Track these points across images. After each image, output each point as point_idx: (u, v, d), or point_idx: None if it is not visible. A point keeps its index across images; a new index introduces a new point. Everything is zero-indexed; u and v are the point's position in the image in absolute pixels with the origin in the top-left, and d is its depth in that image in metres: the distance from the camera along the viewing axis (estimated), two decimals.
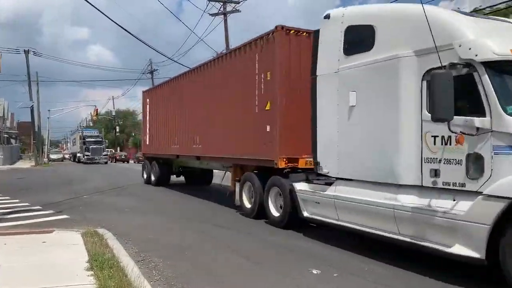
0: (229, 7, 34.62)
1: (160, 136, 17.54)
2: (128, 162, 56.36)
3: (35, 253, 6.39)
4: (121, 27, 17.27)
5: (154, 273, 5.80)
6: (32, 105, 43.13)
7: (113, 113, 79.26)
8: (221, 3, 34.39)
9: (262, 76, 9.71)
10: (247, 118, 10.43)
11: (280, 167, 9.01)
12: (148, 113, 19.54)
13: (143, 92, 20.61)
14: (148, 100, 19.65)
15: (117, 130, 78.30)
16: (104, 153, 52.12)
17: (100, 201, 13.76)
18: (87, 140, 51.37)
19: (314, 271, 5.91)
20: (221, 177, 13.93)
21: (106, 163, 49.59)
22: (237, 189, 10.91)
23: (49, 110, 53.51)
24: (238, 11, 34.73)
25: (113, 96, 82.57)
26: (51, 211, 11.26)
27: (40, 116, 48.43)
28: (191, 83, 14.45)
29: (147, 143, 19.38)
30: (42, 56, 45.66)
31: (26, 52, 41.86)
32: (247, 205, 10.58)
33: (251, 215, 10.25)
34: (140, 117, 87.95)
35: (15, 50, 41.20)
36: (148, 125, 19.41)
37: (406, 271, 5.91)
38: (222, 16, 34.59)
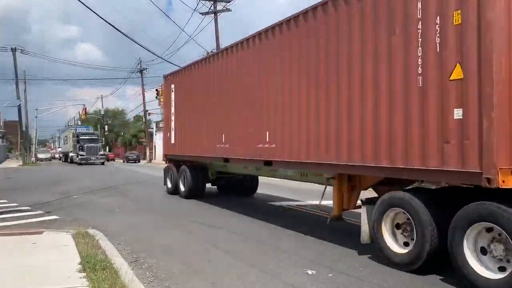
0: (219, 6, 34.53)
1: (195, 132, 12.90)
2: (114, 160, 59.56)
3: (25, 254, 6.27)
4: (111, 24, 17.13)
5: (148, 275, 5.73)
6: (20, 104, 42.56)
7: (102, 112, 78.58)
8: (212, 2, 34.28)
9: (438, 21, 5.51)
10: (393, 98, 6.13)
11: (500, 186, 4.80)
12: (173, 102, 14.90)
13: (166, 76, 15.90)
14: (173, 86, 14.90)
15: (106, 129, 77.63)
16: (101, 152, 47.27)
17: (90, 201, 13.61)
18: (81, 138, 46.69)
19: (309, 271, 5.89)
20: (320, 195, 8.55)
21: (103, 163, 44.98)
22: (366, 216, 6.64)
23: (36, 109, 53.08)
24: (228, 10, 34.64)
25: (101, 95, 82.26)
26: (40, 212, 11.11)
27: (28, 115, 47.79)
28: (257, 53, 9.69)
29: (172, 141, 14.86)
30: (29, 55, 44.96)
31: (14, 50, 41.35)
32: (396, 248, 6.13)
33: (408, 268, 5.84)
34: (129, 116, 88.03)
35: (3, 48, 40.61)
36: (173, 118, 14.87)
37: (399, 270, 5.92)
38: (213, 15, 34.50)
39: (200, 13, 34.91)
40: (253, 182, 14.12)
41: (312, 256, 6.75)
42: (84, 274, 5.19)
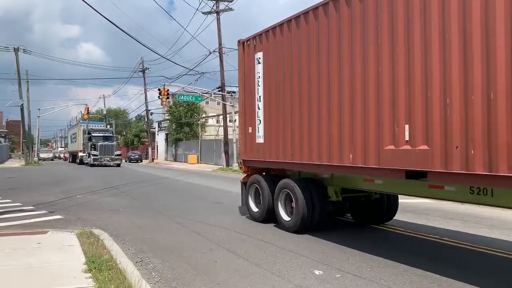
0: (222, 6, 34.50)
1: (308, 127, 7.96)
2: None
3: (30, 255, 6.23)
4: (113, 23, 17.08)
5: (153, 275, 5.68)
6: (22, 104, 42.55)
7: (104, 112, 78.60)
8: (214, 1, 34.26)
9: None
10: None
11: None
12: (261, 80, 9.52)
13: (245, 41, 10.19)
14: (261, 55, 9.52)
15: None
16: (117, 152, 39.97)
17: (94, 201, 13.57)
18: (93, 135, 40.64)
19: (316, 272, 5.83)
20: None
21: (118, 165, 38.74)
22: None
23: (39, 109, 52.78)
24: (231, 9, 34.61)
25: (103, 95, 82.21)
26: (44, 211, 11.07)
27: (30, 114, 47.75)
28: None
29: (259, 140, 9.65)
30: (32, 54, 44.93)
31: (16, 50, 41.29)
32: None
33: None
34: (132, 116, 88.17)
35: (5, 48, 40.60)
36: (260, 104, 9.56)
37: (408, 271, 5.86)
38: (215, 14, 34.46)
39: (203, 13, 34.91)
40: (392, 203, 9.33)
41: (319, 256, 6.70)
42: (90, 274, 5.15)
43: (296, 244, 7.61)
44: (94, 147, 39.16)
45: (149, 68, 55.43)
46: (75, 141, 49.14)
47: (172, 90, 40.10)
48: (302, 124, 8.14)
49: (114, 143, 40.70)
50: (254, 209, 10.06)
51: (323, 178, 8.64)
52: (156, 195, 15.47)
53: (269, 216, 9.44)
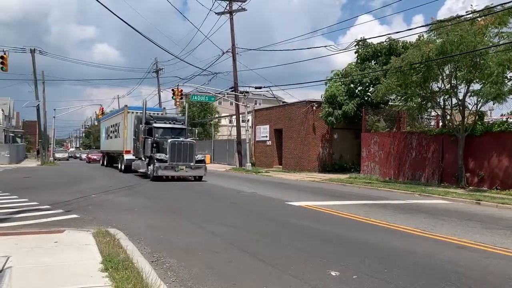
0: (235, 6, 34.53)
1: None
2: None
3: (47, 253, 6.28)
4: (128, 24, 17.20)
5: (169, 274, 5.68)
6: (38, 104, 43.16)
7: None
8: (227, 2, 34.30)
9: None
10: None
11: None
12: None
13: None
14: None
15: None
16: (198, 155, 22.92)
17: (109, 200, 13.67)
18: (156, 126, 24.01)
19: (333, 273, 5.77)
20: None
21: (200, 178, 22.25)
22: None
23: (54, 109, 53.46)
24: (244, 9, 34.63)
25: (118, 95, 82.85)
26: (60, 210, 11.18)
27: (46, 115, 48.35)
28: None
29: None
30: (47, 55, 45.48)
31: (32, 51, 41.87)
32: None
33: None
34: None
35: (21, 49, 41.20)
36: None
37: (425, 273, 5.76)
38: (228, 14, 34.51)
39: (216, 13, 35.00)
40: None
41: (335, 257, 6.63)
42: (107, 273, 5.16)
43: (311, 244, 7.55)
44: (157, 146, 22.95)
45: (162, 68, 55.60)
46: (115, 137, 32.85)
47: (186, 90, 40.32)
48: None
49: (194, 141, 23.00)
50: None
51: None
52: (174, 194, 15.49)
53: None
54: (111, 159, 36.36)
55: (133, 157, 26.86)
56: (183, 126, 25.43)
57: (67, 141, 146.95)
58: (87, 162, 52.81)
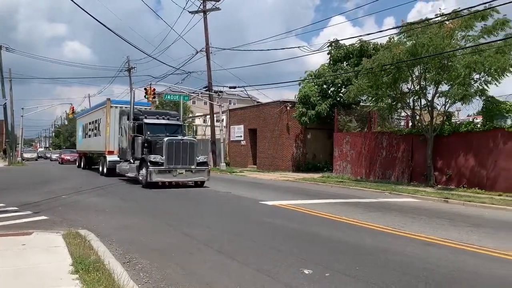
0: (208, 5, 34.40)
1: None
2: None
3: (15, 256, 6.11)
4: (100, 22, 16.85)
5: (142, 276, 5.62)
6: (5, 103, 41.81)
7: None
8: (201, 1, 34.13)
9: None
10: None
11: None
12: None
13: None
14: None
15: None
16: (200, 158, 19.49)
17: (80, 201, 13.39)
18: (148, 122, 20.46)
19: (306, 271, 5.84)
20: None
21: (202, 184, 19.05)
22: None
23: (23, 108, 51.92)
24: (218, 9, 34.54)
25: (89, 94, 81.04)
26: (28, 212, 10.88)
27: (13, 114, 46.89)
28: None
29: None
30: (15, 53, 44.18)
31: None
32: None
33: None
34: None
35: None
36: None
37: (396, 270, 5.90)
38: (202, 14, 34.35)
39: (189, 12, 34.78)
40: None
41: (308, 255, 6.71)
42: (77, 275, 5.07)
43: (285, 243, 7.62)
44: (149, 146, 19.56)
45: (135, 67, 54.87)
46: (94, 135, 29.47)
47: (159, 89, 39.83)
48: None
49: (194, 141, 19.81)
50: None
51: None
52: (146, 195, 15.32)
53: None
54: (90, 160, 33.02)
55: (118, 159, 23.57)
56: (179, 122, 21.90)
57: (36, 140, 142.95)
58: (59, 163, 48.32)
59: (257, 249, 7.28)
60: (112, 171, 24.03)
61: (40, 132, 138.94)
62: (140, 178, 18.84)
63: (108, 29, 18.89)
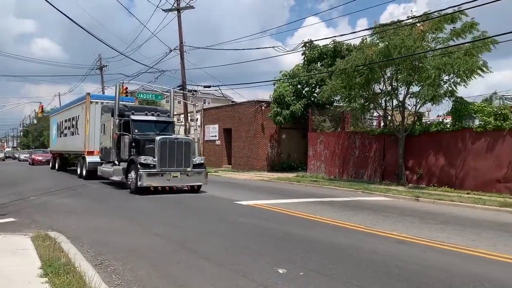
0: (182, 3, 34.09)
1: None
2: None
3: None
4: (71, 19, 16.46)
5: (114, 278, 5.51)
6: None
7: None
8: None
9: None
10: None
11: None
12: None
13: None
14: None
15: None
16: (197, 158, 17.15)
17: (49, 202, 13.04)
18: (135, 118, 18.00)
19: (280, 270, 5.85)
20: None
21: (198, 189, 16.72)
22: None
23: None
24: (192, 7, 34.25)
25: (59, 93, 79.28)
26: None
27: None
28: None
29: None
30: None
31: None
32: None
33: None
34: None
35: None
36: None
37: (369, 267, 5.98)
38: (176, 12, 34.01)
39: (163, 10, 34.37)
40: None
41: (283, 255, 6.73)
42: (47, 279, 4.93)
43: (259, 243, 7.62)
44: (137, 146, 17.43)
45: (107, 65, 53.83)
46: (71, 134, 26.94)
47: (131, 88, 39.19)
48: None
49: (190, 138, 18.60)
50: None
51: None
52: (118, 195, 15.04)
53: None
54: (65, 161, 30.17)
55: (99, 160, 20.97)
56: (170, 119, 19.54)
57: (3, 140, 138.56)
58: (30, 164, 44.11)
59: (231, 249, 7.25)
60: (93, 174, 21.58)
61: (8, 131, 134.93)
62: (129, 182, 16.42)
63: (79, 25, 18.49)
